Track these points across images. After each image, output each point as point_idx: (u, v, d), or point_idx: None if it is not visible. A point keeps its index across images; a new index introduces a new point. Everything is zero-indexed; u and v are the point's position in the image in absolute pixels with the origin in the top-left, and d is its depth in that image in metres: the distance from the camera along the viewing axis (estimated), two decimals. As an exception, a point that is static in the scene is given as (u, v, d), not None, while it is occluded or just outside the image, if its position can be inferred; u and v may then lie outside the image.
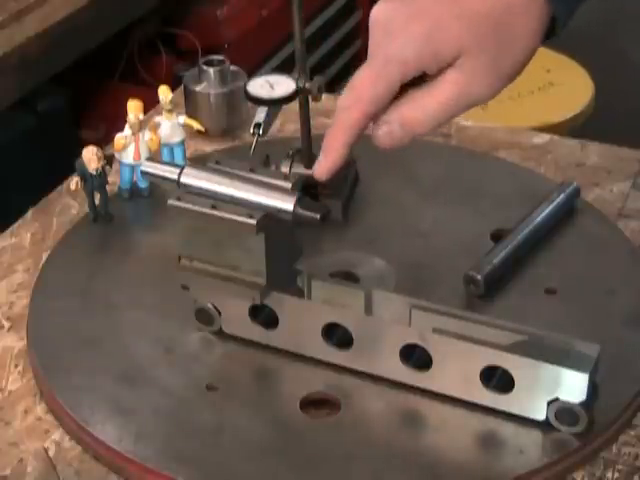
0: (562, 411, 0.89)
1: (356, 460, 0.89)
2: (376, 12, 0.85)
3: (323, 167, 0.87)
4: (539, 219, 1.10)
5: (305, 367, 0.97)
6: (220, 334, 1.01)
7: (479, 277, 1.03)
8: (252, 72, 1.35)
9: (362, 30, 2.77)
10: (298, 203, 0.90)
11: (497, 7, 0.82)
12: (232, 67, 1.31)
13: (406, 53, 0.81)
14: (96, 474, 0.91)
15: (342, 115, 0.84)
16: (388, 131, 0.84)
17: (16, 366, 1.01)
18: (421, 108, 0.83)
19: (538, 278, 1.06)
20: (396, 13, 0.83)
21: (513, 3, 0.83)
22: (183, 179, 0.93)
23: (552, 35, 0.86)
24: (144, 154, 1.15)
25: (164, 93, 1.19)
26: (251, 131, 1.07)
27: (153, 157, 1.13)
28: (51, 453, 0.92)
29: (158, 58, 2.15)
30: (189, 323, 1.01)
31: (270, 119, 1.09)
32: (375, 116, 0.84)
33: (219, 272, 0.94)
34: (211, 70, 1.29)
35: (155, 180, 0.96)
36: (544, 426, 0.90)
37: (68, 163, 1.14)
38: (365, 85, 0.83)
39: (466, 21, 0.82)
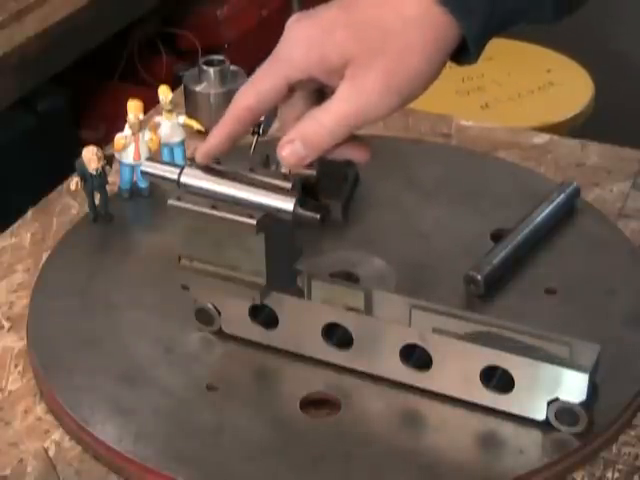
0: (562, 411, 0.89)
1: (356, 460, 0.89)
2: (291, 19, 0.87)
3: (202, 150, 0.91)
4: (539, 219, 1.10)
5: (305, 367, 0.97)
6: (220, 334, 1.01)
7: (479, 277, 1.03)
8: (252, 72, 1.35)
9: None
10: (298, 203, 0.90)
11: (387, 17, 0.81)
12: (232, 67, 1.31)
13: (293, 54, 0.84)
14: (96, 474, 0.91)
15: (230, 107, 0.88)
16: (291, 150, 0.86)
17: (16, 366, 1.01)
18: (319, 124, 0.84)
19: (538, 278, 1.06)
20: (296, 24, 0.86)
21: (406, 14, 0.81)
22: (183, 179, 0.93)
23: (468, 55, 0.83)
24: (144, 154, 1.15)
25: (164, 93, 1.19)
26: (251, 131, 1.07)
27: (153, 157, 1.13)
28: (51, 453, 0.92)
29: (158, 58, 2.15)
30: (189, 323, 1.01)
31: (270, 119, 1.08)
32: (258, 113, 0.88)
33: (219, 272, 0.94)
34: (211, 70, 1.29)
35: (155, 180, 0.96)
36: (544, 426, 0.90)
37: (68, 163, 1.14)
38: (254, 82, 0.87)
39: (353, 29, 0.82)
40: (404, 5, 0.81)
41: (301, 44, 0.84)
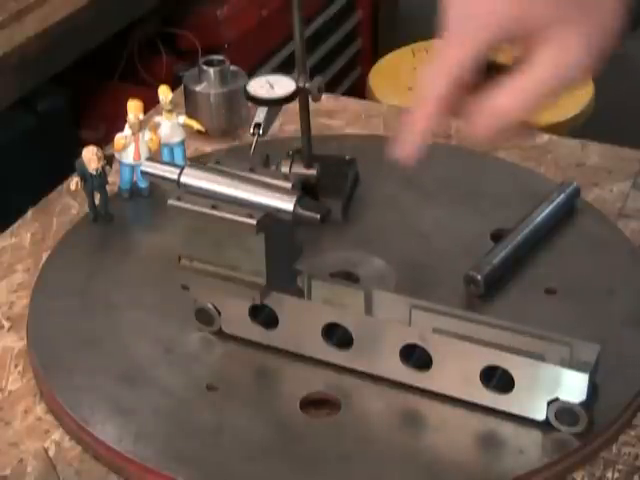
0: (562, 411, 0.89)
1: (356, 460, 0.89)
2: None
3: (406, 143, 0.80)
4: (539, 219, 1.10)
5: (305, 367, 0.97)
6: (220, 334, 1.01)
7: (479, 277, 1.03)
8: (252, 72, 1.35)
9: (362, 30, 2.77)
10: (298, 203, 0.90)
11: None
12: (232, 67, 1.31)
13: (495, 13, 0.77)
14: (96, 474, 0.91)
15: (428, 86, 0.78)
16: (486, 124, 0.78)
17: (16, 366, 1.01)
18: (518, 91, 0.77)
19: (538, 278, 1.06)
20: None
21: None
22: (183, 179, 0.93)
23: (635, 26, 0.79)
24: (144, 154, 1.15)
25: (164, 93, 1.19)
26: (251, 131, 1.07)
27: (153, 157, 1.13)
28: (51, 453, 0.92)
29: (158, 58, 2.14)
30: (189, 323, 1.01)
31: (270, 119, 1.09)
32: (463, 84, 0.77)
33: (219, 272, 0.94)
34: (211, 70, 1.29)
35: (155, 180, 0.96)
36: (544, 426, 0.90)
37: (68, 163, 1.14)
38: (452, 50, 0.78)
39: None
40: None
41: (501, 3, 0.77)
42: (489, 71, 0.79)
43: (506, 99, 0.77)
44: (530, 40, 0.77)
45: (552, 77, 0.77)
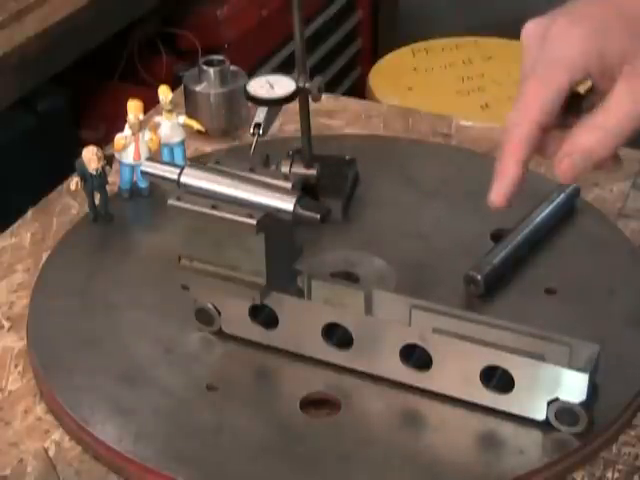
0: (562, 411, 0.89)
1: (356, 460, 0.89)
2: (528, 26, 0.82)
3: (500, 192, 0.82)
4: (539, 219, 1.10)
5: (305, 367, 0.97)
6: (220, 334, 1.01)
7: (479, 277, 1.03)
8: (252, 72, 1.35)
9: (362, 30, 2.77)
10: (298, 203, 0.90)
11: None
12: (232, 67, 1.31)
13: (571, 53, 0.78)
14: (96, 474, 0.91)
15: (513, 131, 0.80)
16: (570, 165, 0.79)
17: (16, 366, 1.01)
18: (599, 129, 0.79)
19: (538, 278, 1.06)
20: (553, 22, 0.80)
21: None
22: (183, 179, 0.93)
23: None
24: (144, 154, 1.15)
25: (164, 93, 1.19)
26: (251, 131, 1.07)
27: (153, 157, 1.13)
28: (51, 453, 0.92)
29: (158, 58, 2.15)
30: (189, 323, 1.01)
31: (270, 119, 1.08)
32: (547, 126, 0.80)
33: (219, 272, 0.94)
34: (211, 70, 1.29)
35: (155, 180, 0.96)
36: (544, 426, 0.90)
37: (68, 163, 1.14)
38: (532, 94, 0.80)
39: (628, 24, 0.78)
40: None
41: (577, 42, 0.78)
42: (569, 100, 0.80)
43: (587, 138, 0.78)
44: (606, 74, 0.78)
45: (631, 113, 0.78)
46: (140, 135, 1.15)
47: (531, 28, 0.83)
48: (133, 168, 1.17)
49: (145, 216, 1.19)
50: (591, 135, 0.79)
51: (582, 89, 0.83)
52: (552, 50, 0.80)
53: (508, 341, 0.90)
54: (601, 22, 0.78)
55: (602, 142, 0.79)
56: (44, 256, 1.13)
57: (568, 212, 1.14)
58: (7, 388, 0.99)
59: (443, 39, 2.37)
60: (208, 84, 1.29)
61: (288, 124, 1.29)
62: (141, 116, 1.15)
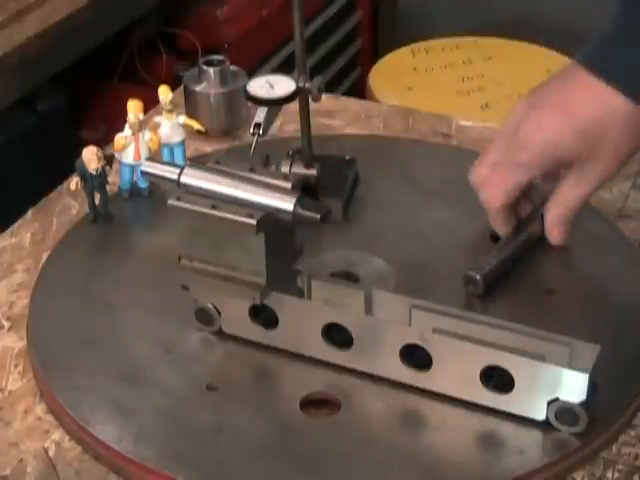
0: (562, 411, 0.89)
1: (356, 460, 0.89)
2: (514, 110, 1.05)
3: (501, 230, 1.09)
4: (539, 219, 1.10)
5: (305, 367, 0.97)
6: (220, 334, 1.01)
7: (479, 277, 1.03)
8: (252, 72, 1.35)
9: (362, 30, 2.77)
10: (298, 203, 0.90)
11: (601, 115, 0.98)
12: (232, 67, 1.31)
13: (532, 160, 1.02)
14: (96, 474, 0.91)
15: (488, 207, 1.07)
16: (555, 230, 1.08)
17: (16, 366, 1.01)
18: (565, 205, 1.06)
19: (538, 278, 1.06)
20: (522, 122, 1.02)
21: (617, 110, 0.97)
22: (183, 179, 0.93)
23: None
24: (144, 154, 1.15)
25: (164, 93, 1.19)
26: (251, 131, 1.07)
27: (153, 157, 1.13)
28: (51, 453, 0.92)
29: (158, 58, 2.15)
30: (189, 323, 1.01)
31: (270, 119, 1.08)
32: (512, 202, 1.06)
33: (219, 272, 0.94)
34: (211, 70, 1.29)
35: (155, 180, 0.96)
36: (544, 426, 0.90)
37: (68, 163, 1.14)
38: (496, 185, 1.05)
39: (579, 133, 0.99)
40: (612, 100, 0.97)
41: (538, 151, 1.01)
42: None
43: (556, 210, 1.07)
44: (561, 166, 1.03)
45: (581, 195, 1.04)
46: (140, 135, 1.15)
47: (515, 111, 1.04)
48: (133, 168, 1.17)
49: (145, 216, 1.19)
50: (559, 207, 1.07)
51: None
52: (518, 154, 1.02)
53: (508, 341, 0.90)
54: (558, 131, 1.00)
55: (567, 212, 1.06)
56: (44, 256, 1.13)
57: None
58: (7, 388, 0.99)
59: (443, 39, 2.37)
60: (208, 84, 1.29)
61: (288, 124, 1.29)
62: (141, 116, 1.15)
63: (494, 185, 1.05)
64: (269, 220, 0.91)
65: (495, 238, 1.10)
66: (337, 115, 1.36)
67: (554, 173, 1.05)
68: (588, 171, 1.01)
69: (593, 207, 1.16)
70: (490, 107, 2.12)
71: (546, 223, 1.07)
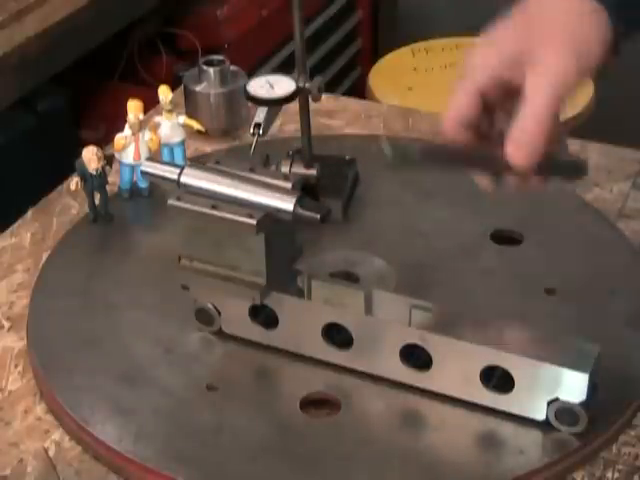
0: (562, 411, 0.89)
1: (356, 460, 0.89)
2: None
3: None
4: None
5: (305, 367, 0.97)
6: (220, 334, 1.01)
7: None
8: (252, 72, 1.35)
9: (362, 30, 2.77)
10: (298, 203, 0.90)
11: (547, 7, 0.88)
12: (232, 67, 1.31)
13: (476, 62, 0.90)
14: (96, 474, 0.91)
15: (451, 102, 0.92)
16: (517, 152, 0.87)
17: (16, 366, 1.01)
18: (526, 120, 0.86)
19: (538, 278, 1.06)
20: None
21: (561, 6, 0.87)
22: (183, 179, 0.93)
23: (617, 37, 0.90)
24: (144, 154, 1.15)
25: (164, 93, 1.19)
26: (251, 131, 1.07)
27: (153, 157, 1.13)
28: (51, 453, 0.92)
29: (158, 58, 2.14)
30: (189, 323, 1.01)
31: (270, 119, 1.09)
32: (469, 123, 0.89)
33: (219, 272, 0.94)
34: (211, 70, 1.29)
35: (155, 180, 0.96)
36: (544, 426, 0.90)
37: (68, 163, 1.14)
38: (451, 99, 0.91)
39: (520, 24, 0.88)
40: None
41: (480, 53, 0.90)
42: None
43: (522, 130, 0.86)
44: (518, 68, 0.87)
45: (545, 89, 0.86)
46: (140, 135, 1.16)
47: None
48: (133, 168, 1.17)
49: (145, 216, 1.19)
50: (525, 124, 0.86)
51: None
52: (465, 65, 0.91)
53: (508, 341, 0.90)
54: (502, 34, 0.89)
55: (535, 127, 0.86)
56: (44, 256, 1.13)
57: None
58: (7, 388, 0.99)
59: (443, 39, 2.37)
60: (208, 84, 1.29)
61: (288, 124, 1.29)
62: (141, 116, 1.15)
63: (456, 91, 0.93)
64: (269, 220, 0.91)
65: (495, 238, 1.10)
66: (337, 115, 1.36)
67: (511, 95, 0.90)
68: (541, 61, 0.86)
69: (593, 207, 1.16)
70: (490, 107, 2.12)
71: (509, 143, 0.88)
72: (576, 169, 0.92)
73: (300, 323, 0.96)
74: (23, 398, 0.98)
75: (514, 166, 0.87)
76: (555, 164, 0.89)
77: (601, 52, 0.88)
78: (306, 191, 0.93)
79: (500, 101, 0.90)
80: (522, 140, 0.86)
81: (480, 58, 0.90)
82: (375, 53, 2.75)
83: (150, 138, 1.16)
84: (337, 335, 0.96)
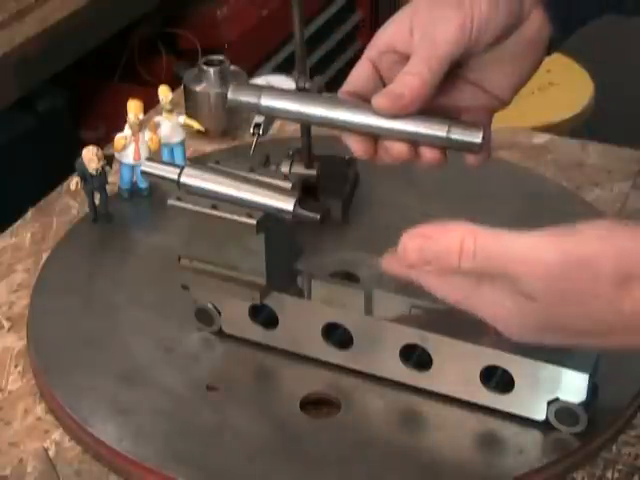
0: (562, 411, 0.89)
1: (356, 460, 0.89)
2: None
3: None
4: None
5: (305, 367, 0.97)
6: (220, 334, 1.01)
7: None
8: (252, 72, 1.35)
9: (362, 30, 2.77)
10: (298, 203, 0.90)
11: None
12: (232, 67, 1.31)
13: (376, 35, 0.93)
14: (96, 474, 0.91)
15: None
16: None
17: (16, 366, 1.01)
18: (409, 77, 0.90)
19: (538, 278, 1.06)
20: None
21: None
22: (183, 179, 0.93)
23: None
24: (144, 154, 1.15)
25: (164, 93, 1.19)
26: (251, 131, 1.07)
27: (153, 157, 1.13)
28: (51, 453, 0.92)
29: (158, 58, 2.15)
30: (189, 323, 1.01)
31: (270, 119, 1.09)
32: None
33: (219, 272, 0.94)
34: (211, 70, 1.29)
35: (155, 180, 0.96)
36: (544, 426, 0.90)
37: (68, 163, 1.14)
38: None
39: None
40: None
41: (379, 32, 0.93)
42: None
43: (397, 81, 0.91)
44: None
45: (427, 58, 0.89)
46: (140, 135, 1.16)
47: None
48: (133, 168, 1.17)
49: (145, 216, 1.19)
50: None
51: None
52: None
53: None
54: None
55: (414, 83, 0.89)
56: (44, 256, 1.13)
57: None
58: (7, 388, 0.99)
59: (443, 39, 2.37)
60: (208, 84, 1.29)
61: (288, 124, 1.29)
62: (141, 116, 1.15)
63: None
64: (269, 220, 0.91)
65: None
66: (337, 115, 1.35)
67: None
68: (427, 26, 0.88)
69: (593, 207, 1.16)
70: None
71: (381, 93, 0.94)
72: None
73: (300, 323, 0.96)
74: (23, 398, 0.98)
75: (377, 110, 0.93)
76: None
77: (492, 12, 0.87)
78: (306, 191, 0.93)
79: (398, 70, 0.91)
80: (395, 90, 0.91)
81: (376, 35, 0.94)
82: (375, 53, 2.75)
83: (150, 138, 1.16)
84: (337, 335, 0.96)
